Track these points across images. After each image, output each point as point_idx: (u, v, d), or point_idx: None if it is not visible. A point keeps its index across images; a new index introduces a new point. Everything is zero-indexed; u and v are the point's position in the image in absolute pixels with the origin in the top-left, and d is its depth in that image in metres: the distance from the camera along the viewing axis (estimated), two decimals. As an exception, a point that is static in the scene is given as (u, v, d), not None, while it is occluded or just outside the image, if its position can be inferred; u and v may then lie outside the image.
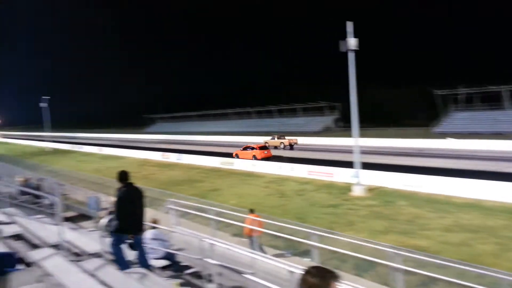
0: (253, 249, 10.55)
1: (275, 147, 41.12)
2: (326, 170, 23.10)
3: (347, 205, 17.01)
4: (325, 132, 59.68)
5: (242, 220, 11.81)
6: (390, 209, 15.90)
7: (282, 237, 10.24)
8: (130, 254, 6.11)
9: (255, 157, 31.99)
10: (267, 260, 8.10)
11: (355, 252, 8.37)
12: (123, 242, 5.96)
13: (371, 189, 19.17)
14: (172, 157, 36.27)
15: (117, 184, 6.15)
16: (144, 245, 6.31)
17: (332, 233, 10.66)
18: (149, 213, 14.55)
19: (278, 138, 42.49)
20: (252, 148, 33.44)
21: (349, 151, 23.64)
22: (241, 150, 34.44)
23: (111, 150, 47.40)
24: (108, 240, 5.98)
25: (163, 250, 7.36)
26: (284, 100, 75.89)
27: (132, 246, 6.06)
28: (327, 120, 66.93)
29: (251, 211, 12.13)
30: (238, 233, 12.86)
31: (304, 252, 10.62)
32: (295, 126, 66.63)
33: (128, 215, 5.89)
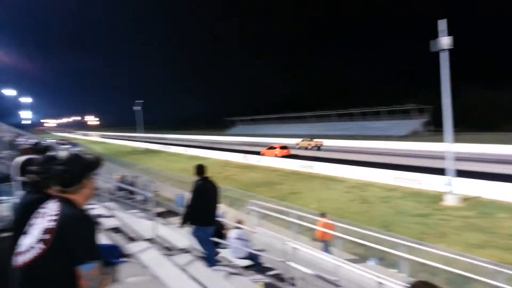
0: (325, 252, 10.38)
1: (306, 148, 46.02)
2: (414, 177, 21.70)
3: (438, 215, 15.83)
4: (413, 136, 55.81)
5: (321, 225, 11.61)
6: (488, 222, 14.46)
7: (366, 245, 9.83)
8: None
9: (276, 155, 37.73)
10: (352, 268, 7.84)
11: (448, 266, 7.73)
12: (209, 236, 6.19)
13: (465, 199, 17.61)
14: (253, 159, 36.98)
15: (194, 178, 6.37)
16: (211, 239, 6.43)
17: (422, 244, 9.96)
18: (231, 213, 15.07)
19: (307, 141, 47.26)
20: (275, 148, 39.69)
21: (439, 157, 22.04)
22: (267, 149, 40.49)
23: (196, 151, 49.77)
24: (196, 235, 6.21)
25: (246, 250, 7.48)
26: (368, 103, 73.20)
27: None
28: (415, 123, 62.29)
29: (323, 215, 11.91)
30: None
31: (390, 262, 10.10)
32: (379, 130, 63.55)
33: (201, 207, 6.08)
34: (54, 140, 36.14)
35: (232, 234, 7.82)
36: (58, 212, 1.80)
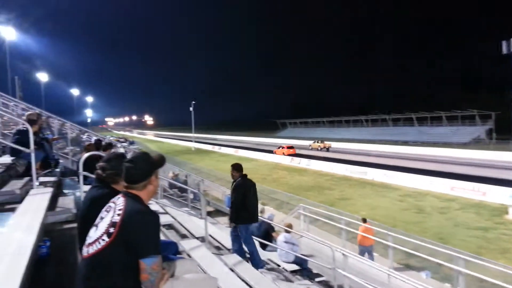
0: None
1: (317, 149, 53.38)
2: (475, 187, 20.42)
3: (500, 229, 14.79)
4: (475, 144, 51.94)
5: (375, 233, 11.27)
6: (559, 240, 13.29)
7: (419, 257, 9.41)
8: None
9: (283, 154, 44.87)
10: (404, 280, 7.53)
11: (509, 284, 7.19)
12: (251, 234, 6.32)
13: (533, 214, 16.30)
14: (302, 162, 36.72)
15: (234, 176, 6.53)
16: (252, 236, 6.51)
17: (480, 259, 9.34)
18: (279, 216, 15.04)
19: (318, 143, 55.29)
20: (283, 148, 47.89)
21: (505, 167, 20.60)
22: (277, 149, 48.50)
23: (246, 152, 50.32)
24: (238, 234, 6.29)
25: (294, 254, 7.42)
26: (427, 107, 69.77)
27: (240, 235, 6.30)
28: (478, 130, 57.81)
29: (364, 221, 11.60)
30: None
31: (445, 276, 9.60)
32: (438, 136, 60.22)
33: (244, 205, 6.16)
34: (114, 138, 38.08)
35: (280, 237, 7.80)
36: (123, 207, 1.90)
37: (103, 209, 2.03)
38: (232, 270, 4.95)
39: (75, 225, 4.10)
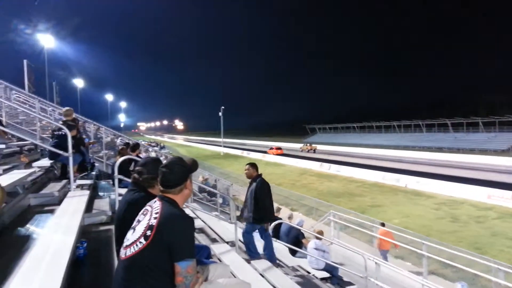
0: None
1: (307, 151, 62.88)
2: (515, 196, 19.49)
3: (542, 240, 14.04)
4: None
5: (407, 242, 10.96)
6: None
7: (455, 267, 9.06)
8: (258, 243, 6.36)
9: (273, 153, 54.91)
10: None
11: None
12: (253, 231, 6.22)
13: None
14: (332, 168, 36.26)
15: (251, 174, 6.30)
16: (270, 236, 6.44)
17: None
18: (309, 223, 14.88)
19: (307, 145, 65.74)
20: (272, 148, 58.22)
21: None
22: (269, 149, 58.57)
23: (274, 158, 50.25)
24: (243, 228, 6.29)
25: (325, 262, 7.30)
26: (462, 113, 67.31)
27: (262, 235, 6.27)
28: None
29: (383, 225, 11.43)
30: (401, 255, 11.96)
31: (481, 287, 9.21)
32: (474, 143, 57.80)
33: (265, 205, 6.10)
34: (145, 142, 38.96)
35: (311, 244, 7.71)
36: (159, 211, 1.94)
37: (140, 213, 2.08)
38: (262, 276, 4.93)
39: (110, 227, 4.21)
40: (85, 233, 3.94)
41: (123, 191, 3.22)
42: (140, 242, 1.86)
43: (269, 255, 6.23)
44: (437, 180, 25.31)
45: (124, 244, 1.97)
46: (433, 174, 28.84)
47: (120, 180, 5.56)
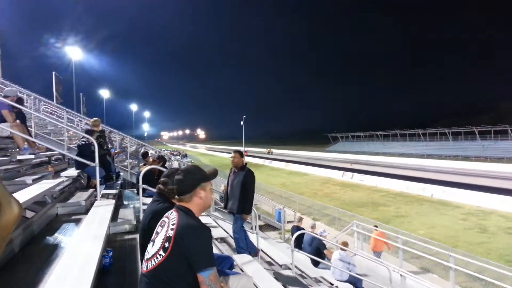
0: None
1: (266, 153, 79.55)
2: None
3: None
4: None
5: (433, 253, 10.67)
6: None
7: (484, 280, 8.76)
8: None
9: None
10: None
11: None
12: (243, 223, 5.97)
13: None
14: (355, 177, 35.76)
15: (237, 162, 6.00)
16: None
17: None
18: (331, 233, 14.68)
19: (267, 149, 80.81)
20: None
21: None
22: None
23: (296, 167, 49.94)
24: (235, 224, 5.98)
25: (348, 273, 7.19)
26: (490, 120, 65.08)
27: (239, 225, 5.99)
28: None
29: (376, 227, 11.65)
30: (427, 267, 11.64)
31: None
32: (503, 151, 55.68)
33: (251, 196, 5.92)
34: (168, 151, 39.47)
35: (335, 255, 7.60)
36: (176, 221, 1.96)
37: (158, 224, 2.11)
38: (285, 287, 4.89)
39: (135, 236, 4.27)
40: (110, 241, 4.02)
41: (147, 200, 3.27)
42: (160, 255, 1.88)
43: (250, 247, 5.98)
44: (464, 189, 24.57)
45: (145, 257, 2.00)
46: (459, 184, 27.98)
47: (144, 189, 5.66)
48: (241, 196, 5.77)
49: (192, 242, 1.88)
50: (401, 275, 7.00)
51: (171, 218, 2.01)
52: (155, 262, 1.89)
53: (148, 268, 1.92)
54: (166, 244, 1.88)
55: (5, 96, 6.08)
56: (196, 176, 2.11)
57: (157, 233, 2.02)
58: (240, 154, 6.07)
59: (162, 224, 2.05)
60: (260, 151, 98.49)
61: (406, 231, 14.84)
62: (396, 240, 11.87)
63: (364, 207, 22.89)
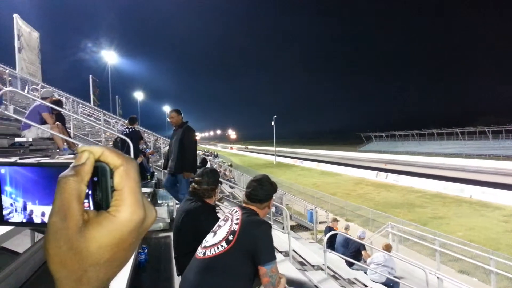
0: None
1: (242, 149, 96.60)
2: None
3: None
4: None
5: (472, 256, 10.26)
6: None
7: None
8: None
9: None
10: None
11: None
12: (176, 183, 5.59)
13: None
14: (389, 178, 34.90)
15: (177, 121, 5.68)
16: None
17: None
18: (367, 234, 14.40)
19: (243, 145, 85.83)
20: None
21: None
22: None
23: (328, 167, 49.34)
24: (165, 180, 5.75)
25: (385, 276, 7.01)
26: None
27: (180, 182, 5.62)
28: None
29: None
30: (467, 270, 11.20)
31: None
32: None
33: (191, 153, 5.60)
34: (200, 152, 40.02)
35: (379, 257, 7.42)
36: (240, 217, 2.10)
37: (221, 218, 2.24)
38: (317, 287, 4.84)
39: (169, 234, 4.36)
40: (145, 239, 4.12)
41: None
42: (222, 246, 1.99)
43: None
44: (505, 190, 23.44)
45: (203, 245, 2.11)
46: (500, 184, 26.68)
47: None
48: (180, 153, 5.42)
49: (256, 236, 2.00)
50: (438, 277, 6.76)
51: (234, 214, 2.16)
52: (214, 251, 2.00)
53: (206, 255, 2.02)
54: (230, 237, 2.00)
55: (42, 98, 6.35)
56: (273, 187, 2.30)
57: (220, 226, 2.15)
58: (177, 112, 5.70)
59: (226, 218, 2.18)
60: (290, 151, 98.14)
61: (443, 233, 14.35)
62: (433, 242, 11.49)
63: (399, 208, 22.30)
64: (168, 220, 4.91)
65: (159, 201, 6.84)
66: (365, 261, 7.76)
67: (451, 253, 10.62)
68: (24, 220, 0.44)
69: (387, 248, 7.75)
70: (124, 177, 0.37)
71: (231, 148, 63.41)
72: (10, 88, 9.10)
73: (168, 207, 5.82)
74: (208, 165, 13.82)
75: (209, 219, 2.57)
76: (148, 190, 6.42)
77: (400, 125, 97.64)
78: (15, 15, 14.89)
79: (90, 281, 0.36)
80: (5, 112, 6.76)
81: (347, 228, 9.70)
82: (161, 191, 8.47)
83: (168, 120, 5.78)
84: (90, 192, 0.38)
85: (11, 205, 0.43)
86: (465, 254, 10.52)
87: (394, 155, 65.24)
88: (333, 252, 7.84)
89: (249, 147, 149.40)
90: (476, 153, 58.74)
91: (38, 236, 2.82)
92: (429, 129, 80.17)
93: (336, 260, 7.76)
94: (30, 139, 5.60)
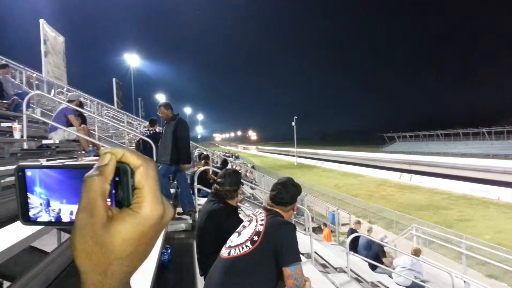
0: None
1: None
2: None
3: None
4: None
5: (501, 260, 9.94)
6: None
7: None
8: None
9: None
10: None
11: None
12: (169, 174, 5.76)
13: None
14: (413, 179, 34.22)
15: (167, 114, 5.69)
16: (186, 178, 5.99)
17: None
18: (388, 236, 14.17)
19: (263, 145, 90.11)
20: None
21: None
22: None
23: (350, 168, 48.78)
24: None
25: (411, 280, 6.86)
26: None
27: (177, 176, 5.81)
28: None
29: (325, 225, 11.55)
30: (495, 274, 10.87)
31: None
32: None
33: (185, 144, 5.64)
34: (221, 152, 40.27)
35: (406, 261, 7.27)
36: (265, 218, 2.11)
37: (246, 220, 2.27)
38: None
39: (191, 234, 4.39)
40: (168, 239, 4.16)
41: (201, 200, 3.34)
42: (247, 246, 2.00)
43: (188, 200, 5.54)
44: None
45: (227, 245, 2.12)
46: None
47: (198, 190, 5.81)
48: (174, 145, 5.46)
49: (281, 237, 2.00)
50: (464, 281, 6.57)
51: (258, 215, 2.17)
52: (239, 251, 2.01)
53: (231, 255, 2.03)
54: (255, 238, 2.01)
55: (69, 101, 6.51)
56: (297, 190, 2.29)
57: (244, 227, 2.16)
58: (166, 106, 5.72)
59: (250, 219, 2.20)
60: (311, 151, 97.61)
61: (470, 235, 13.96)
62: (459, 245, 11.19)
63: (424, 210, 21.84)
64: (190, 221, 4.95)
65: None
66: (387, 266, 7.63)
67: (478, 257, 10.33)
68: (53, 219, 0.45)
69: (416, 252, 7.59)
70: (144, 176, 0.40)
71: (244, 148, 63.77)
72: (38, 92, 9.37)
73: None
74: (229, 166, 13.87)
75: (232, 220, 2.59)
76: (171, 190, 6.49)
77: (423, 125, 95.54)
78: (41, 21, 15.34)
79: (114, 274, 0.39)
80: (33, 115, 6.96)
81: (369, 230, 9.57)
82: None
83: (159, 115, 5.82)
84: (112, 191, 0.41)
85: (41, 204, 0.45)
86: (493, 258, 10.20)
87: (418, 156, 63.84)
88: (356, 254, 7.74)
89: (261, 147, 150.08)
90: (503, 154, 56.86)
91: (65, 236, 2.89)
92: (454, 128, 78.13)
93: (359, 263, 7.66)
94: (57, 141, 5.75)
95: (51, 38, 16.32)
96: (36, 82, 12.72)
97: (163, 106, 5.73)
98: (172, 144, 5.47)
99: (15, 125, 5.02)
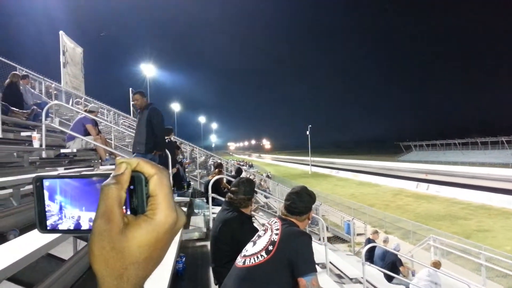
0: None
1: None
2: None
3: None
4: None
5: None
6: None
7: None
8: None
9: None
10: None
11: None
12: None
13: None
14: (430, 189, 33.64)
15: (141, 102, 5.72)
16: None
17: None
18: (405, 247, 13.96)
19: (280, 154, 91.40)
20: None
21: None
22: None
23: (366, 177, 48.21)
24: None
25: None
26: None
27: None
28: None
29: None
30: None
31: None
32: None
33: (159, 132, 5.64)
34: (235, 161, 40.35)
35: (424, 272, 7.12)
36: (280, 227, 2.09)
37: (261, 229, 2.26)
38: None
39: (206, 243, 4.40)
40: (183, 248, 4.17)
41: (215, 208, 3.35)
42: (262, 255, 1.99)
43: None
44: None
45: (242, 254, 2.13)
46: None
47: (213, 198, 5.82)
48: (149, 133, 5.46)
49: (296, 247, 1.99)
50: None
51: (274, 224, 2.16)
52: (254, 261, 2.01)
53: (246, 264, 2.03)
54: (270, 247, 2.00)
55: (90, 112, 6.65)
56: (312, 199, 2.28)
57: (259, 236, 2.16)
58: (141, 94, 5.74)
59: (265, 228, 2.19)
60: (326, 160, 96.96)
61: (490, 246, 13.60)
62: (478, 256, 10.92)
63: (442, 221, 21.39)
64: (205, 230, 4.96)
65: (196, 211, 6.92)
66: (404, 276, 7.47)
67: (499, 268, 10.05)
68: (72, 227, 0.47)
69: (435, 265, 7.42)
70: (158, 184, 0.42)
71: (250, 155, 62.82)
72: (56, 102, 9.59)
73: (204, 217, 5.87)
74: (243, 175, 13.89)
75: (246, 228, 2.59)
76: (185, 199, 6.53)
77: (440, 134, 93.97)
78: (61, 32, 15.72)
79: (130, 279, 0.40)
80: (52, 124, 7.12)
81: (386, 241, 9.41)
82: (197, 200, 8.58)
83: (132, 103, 5.92)
84: (127, 199, 0.43)
85: (61, 212, 0.47)
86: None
87: (436, 165, 62.74)
88: (371, 265, 7.62)
89: (275, 156, 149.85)
90: (524, 164, 55.52)
91: (81, 244, 2.93)
92: (472, 137, 76.59)
93: (375, 274, 7.53)
94: (75, 150, 5.86)
95: (69, 49, 16.70)
96: (55, 92, 13.00)
97: (138, 93, 5.76)
98: (146, 132, 5.48)
99: (34, 134, 5.14)
